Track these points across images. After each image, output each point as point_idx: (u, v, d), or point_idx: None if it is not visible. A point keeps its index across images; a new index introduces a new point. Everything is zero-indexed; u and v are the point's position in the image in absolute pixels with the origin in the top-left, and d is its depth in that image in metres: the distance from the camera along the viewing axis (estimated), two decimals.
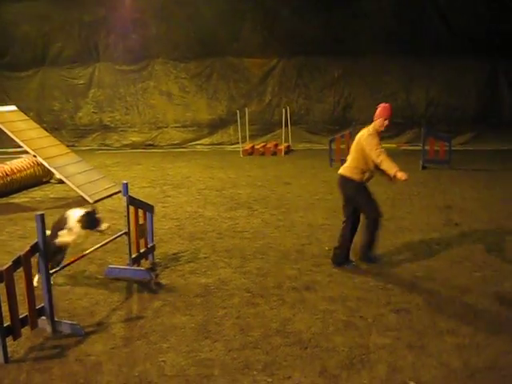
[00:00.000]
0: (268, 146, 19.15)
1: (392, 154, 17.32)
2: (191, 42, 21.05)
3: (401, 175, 6.86)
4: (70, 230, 6.41)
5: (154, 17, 21.14)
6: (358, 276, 6.99)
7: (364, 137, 7.07)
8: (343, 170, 7.31)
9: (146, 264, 7.49)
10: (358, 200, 7.27)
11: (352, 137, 15.56)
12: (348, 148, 15.50)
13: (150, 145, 21.74)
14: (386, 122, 7.09)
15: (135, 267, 7.13)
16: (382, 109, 7.16)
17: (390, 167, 6.94)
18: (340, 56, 20.26)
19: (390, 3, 19.71)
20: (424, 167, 14.91)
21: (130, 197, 6.96)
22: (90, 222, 6.46)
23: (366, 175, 7.21)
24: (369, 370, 4.75)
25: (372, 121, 7.22)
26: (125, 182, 7.02)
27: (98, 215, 6.55)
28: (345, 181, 7.26)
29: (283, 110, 19.37)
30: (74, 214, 6.48)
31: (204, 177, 14.46)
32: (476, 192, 11.86)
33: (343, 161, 15.25)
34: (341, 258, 7.39)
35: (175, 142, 21.64)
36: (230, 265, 7.50)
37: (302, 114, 21.10)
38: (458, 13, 19.63)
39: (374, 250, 7.53)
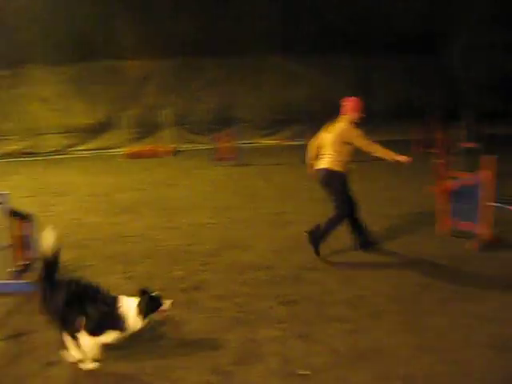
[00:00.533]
0: (151, 148, 18.97)
1: (275, 150, 17.66)
2: (66, 46, 20.46)
3: (402, 159, 7.36)
4: (128, 329, 4.83)
5: (27, 20, 20.36)
6: (247, 272, 7.05)
7: (347, 131, 7.40)
8: (327, 164, 7.50)
9: (29, 277, 7.20)
10: (339, 192, 7.54)
11: (235, 135, 15.80)
12: (231, 147, 15.68)
13: (29, 153, 20.95)
14: (361, 115, 7.55)
15: (18, 281, 6.84)
16: (354, 103, 7.53)
17: (386, 154, 7.41)
18: (220, 56, 20.39)
19: (269, 3, 20.02)
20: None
21: (10, 208, 6.69)
22: (151, 306, 4.91)
23: (348, 166, 7.56)
24: (261, 363, 4.80)
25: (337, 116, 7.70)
26: (4, 192, 6.74)
27: (152, 293, 4.98)
28: (331, 174, 7.48)
29: (165, 112, 19.23)
30: (129, 309, 4.80)
31: (87, 183, 14.11)
32: (357, 183, 12.23)
33: (226, 159, 15.43)
34: (364, 241, 7.80)
35: (56, 149, 20.98)
36: (117, 271, 7.34)
37: (185, 115, 21.05)
38: (333, 12, 20.25)
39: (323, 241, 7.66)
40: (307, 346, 5.08)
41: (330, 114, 20.53)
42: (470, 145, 16.01)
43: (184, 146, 20.22)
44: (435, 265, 7.18)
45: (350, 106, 7.54)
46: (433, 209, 8.95)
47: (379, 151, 7.41)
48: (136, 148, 18.93)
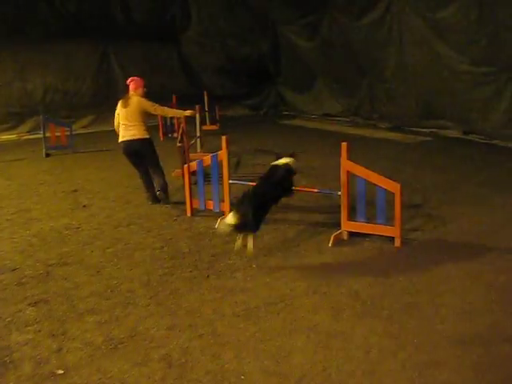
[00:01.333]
0: None
1: (14, 145, 16.75)
2: None
3: (188, 113, 9.43)
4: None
5: None
6: None
7: (143, 102, 8.95)
8: (139, 134, 8.91)
9: None
10: (154, 153, 9.17)
11: None
12: None
13: None
14: (145, 89, 9.20)
15: None
16: (136, 82, 9.12)
17: (175, 112, 9.81)
18: None
19: None
20: (48, 154, 14.71)
21: None
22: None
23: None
24: (13, 370, 4.59)
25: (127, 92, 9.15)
26: None
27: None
28: (145, 141, 8.96)
29: None
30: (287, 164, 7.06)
31: None
32: (101, 172, 12.13)
33: None
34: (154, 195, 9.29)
35: None
36: None
37: None
38: None
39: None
40: (60, 344, 4.96)
41: (68, 104, 20.02)
42: (210, 127, 16.74)
43: None
44: (183, 244, 7.42)
45: (134, 85, 9.04)
46: (181, 191, 9.22)
47: (172, 112, 9.83)
48: None
